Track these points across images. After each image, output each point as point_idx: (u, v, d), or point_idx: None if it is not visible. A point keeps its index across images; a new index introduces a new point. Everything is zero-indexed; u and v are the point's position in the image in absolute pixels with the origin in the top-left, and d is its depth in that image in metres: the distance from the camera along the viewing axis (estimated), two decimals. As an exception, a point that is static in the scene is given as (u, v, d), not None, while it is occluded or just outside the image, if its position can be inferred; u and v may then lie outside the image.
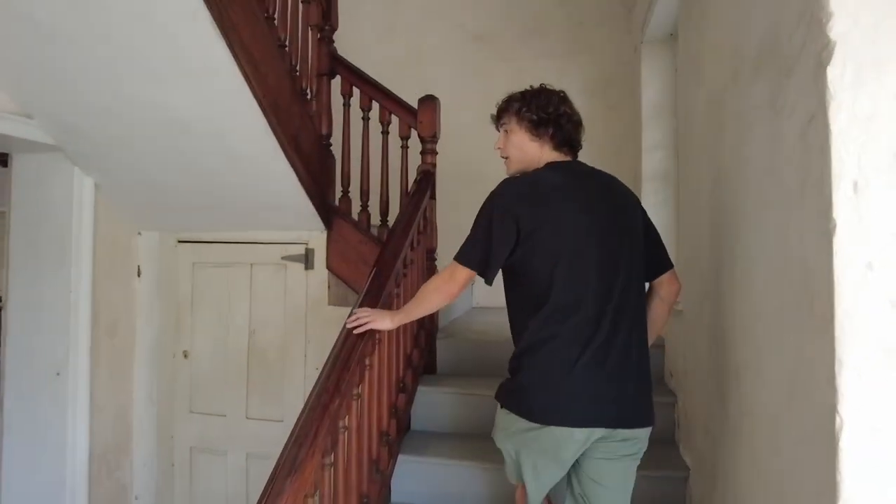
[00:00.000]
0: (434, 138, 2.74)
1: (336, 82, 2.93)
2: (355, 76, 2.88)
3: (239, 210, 2.88)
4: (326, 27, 2.91)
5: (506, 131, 1.66)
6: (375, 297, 1.95)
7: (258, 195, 2.75)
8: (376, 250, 2.61)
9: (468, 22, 4.02)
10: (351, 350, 1.65)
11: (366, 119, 2.86)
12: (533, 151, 1.62)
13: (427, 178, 2.68)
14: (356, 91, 2.88)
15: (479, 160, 3.91)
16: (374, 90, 2.84)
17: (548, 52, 3.89)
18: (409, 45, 4.08)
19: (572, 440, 1.42)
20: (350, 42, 4.13)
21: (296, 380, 2.91)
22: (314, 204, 2.73)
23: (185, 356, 3.13)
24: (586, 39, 3.87)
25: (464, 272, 1.56)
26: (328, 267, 2.87)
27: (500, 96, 1.69)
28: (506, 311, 1.62)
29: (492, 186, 1.60)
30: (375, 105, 2.85)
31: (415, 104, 2.78)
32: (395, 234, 2.27)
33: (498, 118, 1.69)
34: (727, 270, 1.62)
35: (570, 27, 3.88)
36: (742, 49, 1.47)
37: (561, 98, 1.62)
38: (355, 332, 1.74)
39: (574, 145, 1.63)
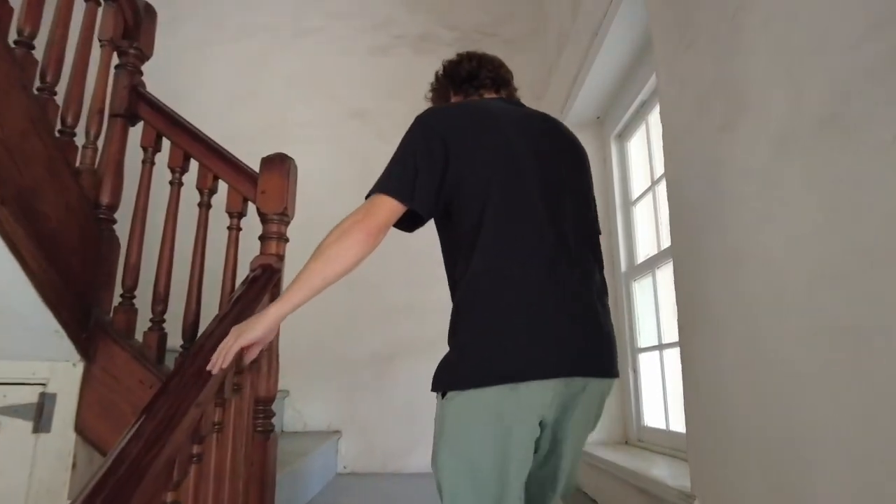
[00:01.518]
0: (284, 216, 1.75)
1: (138, 130, 1.91)
2: (165, 120, 1.87)
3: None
4: (132, 50, 1.93)
5: None
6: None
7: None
8: (163, 399, 1.46)
9: (346, 95, 3.24)
10: None
11: (176, 183, 1.82)
12: None
13: (267, 279, 1.64)
14: (166, 144, 1.87)
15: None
16: (192, 142, 1.83)
17: (444, 139, 3.17)
18: (269, 118, 3.18)
19: (544, 396, 1.04)
20: (195, 108, 3.16)
21: None
22: (60, 316, 1.55)
23: None
24: (489, 128, 3.22)
25: (386, 203, 1.14)
26: (78, 428, 1.64)
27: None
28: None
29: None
30: (194, 166, 1.84)
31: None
32: (183, 371, 1.18)
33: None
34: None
35: (470, 113, 3.22)
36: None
37: (468, 57, 1.54)
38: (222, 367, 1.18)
39: (508, 86, 1.51)
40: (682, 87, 1.38)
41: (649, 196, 2.24)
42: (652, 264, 2.16)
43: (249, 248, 1.78)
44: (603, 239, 2.58)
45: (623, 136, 2.50)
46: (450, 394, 1.05)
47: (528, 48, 3.29)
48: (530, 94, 3.21)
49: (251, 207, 1.80)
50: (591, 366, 1.09)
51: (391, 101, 3.21)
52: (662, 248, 2.11)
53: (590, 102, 2.50)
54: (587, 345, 1.09)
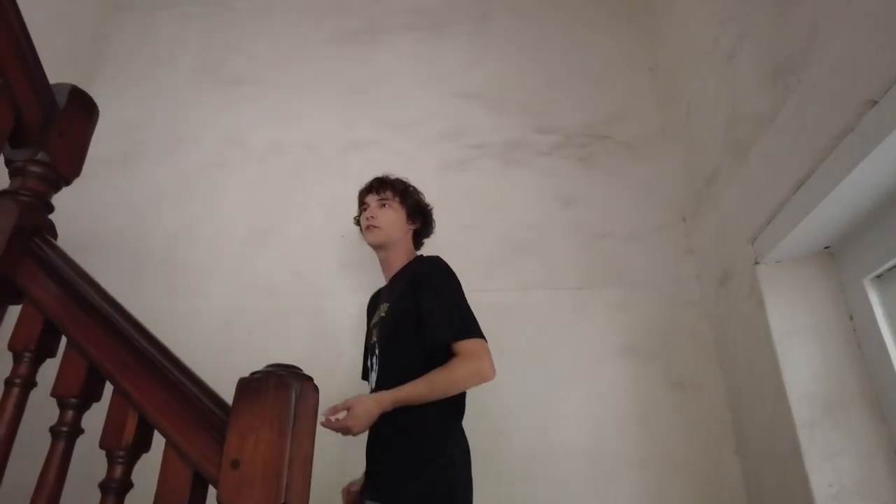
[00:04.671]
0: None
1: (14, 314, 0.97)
2: (69, 300, 0.94)
3: None
4: (33, 167, 1.06)
5: (384, 204, 1.73)
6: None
7: None
8: None
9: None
10: None
11: (64, 435, 0.84)
12: (402, 234, 1.75)
13: None
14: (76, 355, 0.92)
15: None
16: (115, 344, 0.88)
17: (540, 281, 2.16)
18: (298, 262, 2.28)
19: None
20: (201, 250, 2.33)
21: None
22: None
23: None
24: (608, 264, 2.19)
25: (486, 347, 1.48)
26: None
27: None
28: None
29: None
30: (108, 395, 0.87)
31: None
32: None
33: (380, 189, 1.75)
34: None
35: (583, 245, 2.22)
36: None
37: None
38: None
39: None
40: None
41: None
42: None
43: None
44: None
45: (892, 279, 1.43)
46: None
47: (658, 152, 2.34)
48: (671, 214, 2.21)
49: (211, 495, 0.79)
50: None
51: (471, 230, 2.27)
52: None
53: (819, 225, 1.47)
54: None
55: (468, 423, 1.97)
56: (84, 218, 2.53)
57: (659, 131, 2.37)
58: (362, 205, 1.78)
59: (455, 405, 1.48)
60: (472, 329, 1.46)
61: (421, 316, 1.47)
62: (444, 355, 1.44)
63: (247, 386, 0.77)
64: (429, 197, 2.36)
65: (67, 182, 1.13)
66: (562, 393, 1.97)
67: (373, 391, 1.53)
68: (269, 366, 0.81)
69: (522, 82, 2.54)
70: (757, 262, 1.66)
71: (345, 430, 1.30)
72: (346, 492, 1.64)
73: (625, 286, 2.11)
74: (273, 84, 2.73)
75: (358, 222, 1.84)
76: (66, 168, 1.12)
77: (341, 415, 1.31)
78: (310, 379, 0.82)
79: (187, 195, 2.51)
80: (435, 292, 1.51)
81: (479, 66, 2.60)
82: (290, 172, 2.48)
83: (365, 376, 1.72)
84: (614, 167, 2.33)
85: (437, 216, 2.31)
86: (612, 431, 1.91)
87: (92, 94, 2.85)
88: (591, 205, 2.26)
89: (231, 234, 2.37)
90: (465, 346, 1.43)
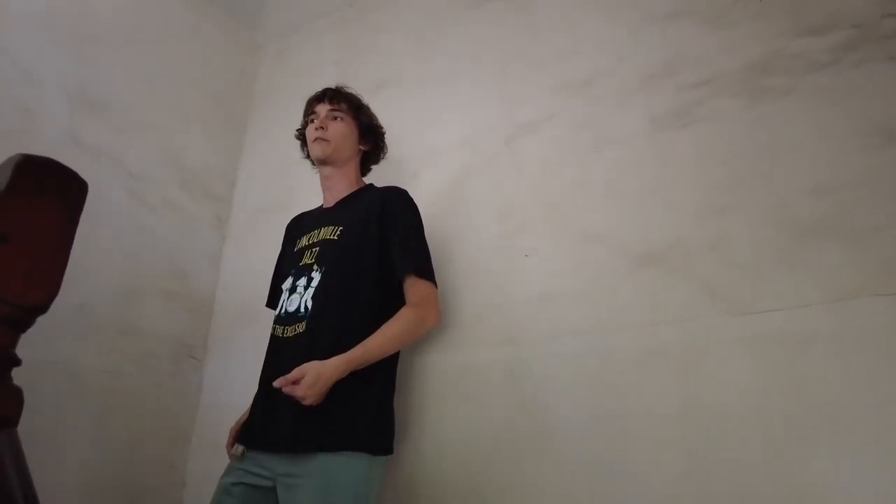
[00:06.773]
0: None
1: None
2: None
3: None
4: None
5: (337, 117, 1.64)
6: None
7: None
8: None
9: (618, 229, 1.61)
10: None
11: None
12: (352, 152, 1.66)
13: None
14: None
15: None
16: None
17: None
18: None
19: None
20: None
21: None
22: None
23: None
24: None
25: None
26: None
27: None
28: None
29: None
30: None
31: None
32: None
33: (334, 99, 1.65)
34: None
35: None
36: None
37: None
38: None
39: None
40: None
41: None
42: None
43: None
44: None
45: None
46: (379, 458, 1.30)
47: None
48: None
49: None
50: None
51: (720, 213, 1.46)
52: None
53: None
54: None
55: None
56: (247, 281, 2.30)
57: None
58: (311, 114, 1.67)
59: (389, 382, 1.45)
60: (430, 271, 1.45)
61: (388, 246, 1.43)
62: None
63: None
64: (643, 172, 1.62)
65: (42, 310, 0.70)
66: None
67: (293, 315, 1.42)
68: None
69: (758, -32, 1.64)
70: None
71: (301, 399, 1.22)
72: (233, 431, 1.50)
73: None
74: (417, 77, 2.22)
75: (301, 135, 1.75)
76: (31, 291, 0.68)
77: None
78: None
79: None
80: (406, 225, 1.47)
81: (682, -34, 1.76)
82: (449, 183, 1.93)
83: (272, 304, 1.63)
84: (968, 56, 1.33)
85: (657, 199, 1.56)
86: None
87: (245, 142, 2.59)
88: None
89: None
90: (418, 286, 1.41)
